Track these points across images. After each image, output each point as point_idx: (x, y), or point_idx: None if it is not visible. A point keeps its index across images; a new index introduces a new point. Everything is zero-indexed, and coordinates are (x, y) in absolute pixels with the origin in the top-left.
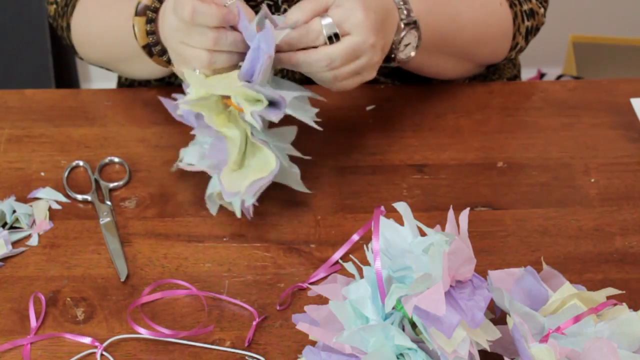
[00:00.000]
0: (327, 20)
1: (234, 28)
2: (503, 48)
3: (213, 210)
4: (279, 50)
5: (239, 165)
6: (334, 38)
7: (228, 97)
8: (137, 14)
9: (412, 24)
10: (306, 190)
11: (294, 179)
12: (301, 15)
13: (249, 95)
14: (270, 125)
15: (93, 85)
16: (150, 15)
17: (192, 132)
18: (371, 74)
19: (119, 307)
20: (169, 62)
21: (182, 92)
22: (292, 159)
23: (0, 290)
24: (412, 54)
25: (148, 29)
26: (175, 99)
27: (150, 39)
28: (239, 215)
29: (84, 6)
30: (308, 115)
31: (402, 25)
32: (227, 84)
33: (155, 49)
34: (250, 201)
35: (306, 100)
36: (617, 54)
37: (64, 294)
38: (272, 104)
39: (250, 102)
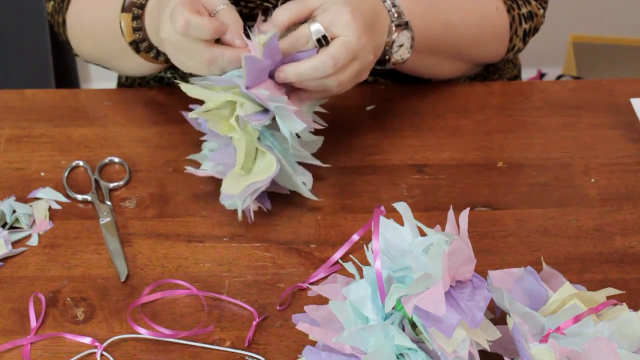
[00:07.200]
0: (315, 25)
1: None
2: (498, 51)
3: (228, 206)
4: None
5: (247, 170)
6: (322, 41)
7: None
8: (123, 10)
9: (404, 25)
10: (314, 198)
11: (303, 188)
12: (287, 15)
13: (250, 102)
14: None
15: (93, 85)
16: (136, 11)
17: (202, 138)
18: (366, 75)
19: (119, 307)
20: (156, 57)
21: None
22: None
23: (0, 290)
24: (407, 55)
25: (134, 25)
26: (191, 109)
27: (137, 35)
28: (240, 217)
29: (79, 0)
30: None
31: (394, 28)
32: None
33: (142, 45)
34: (245, 204)
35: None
36: (617, 54)
37: (64, 294)
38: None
39: (254, 109)
